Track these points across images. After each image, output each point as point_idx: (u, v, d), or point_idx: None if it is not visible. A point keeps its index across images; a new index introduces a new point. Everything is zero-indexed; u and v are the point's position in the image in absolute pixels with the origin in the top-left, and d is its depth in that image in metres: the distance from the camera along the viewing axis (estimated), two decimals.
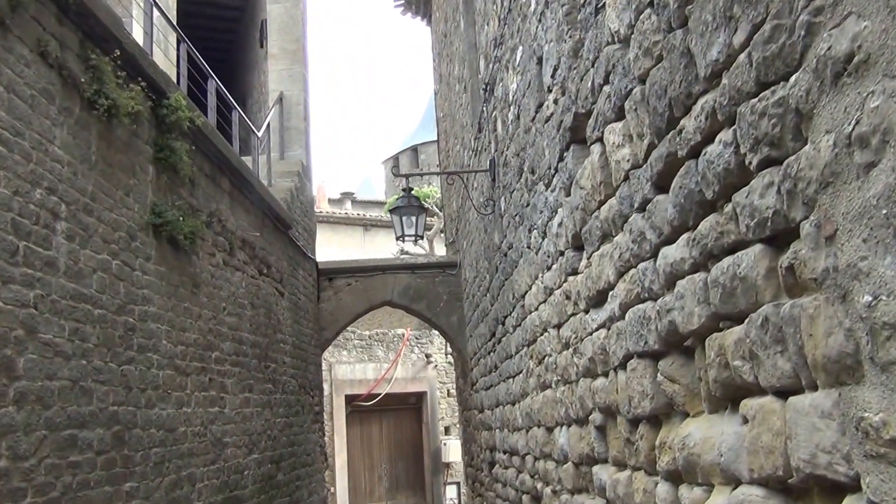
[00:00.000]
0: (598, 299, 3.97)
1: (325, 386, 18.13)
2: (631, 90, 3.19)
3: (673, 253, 2.85)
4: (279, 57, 12.00)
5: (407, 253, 24.46)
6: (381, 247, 27.97)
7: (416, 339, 20.27)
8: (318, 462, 10.95)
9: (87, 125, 4.85)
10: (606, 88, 3.54)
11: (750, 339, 2.25)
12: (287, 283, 9.96)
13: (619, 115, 3.40)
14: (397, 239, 7.88)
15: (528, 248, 5.80)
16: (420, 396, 20.04)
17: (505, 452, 8.08)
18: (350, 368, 18.96)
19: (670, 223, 2.85)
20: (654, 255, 3.06)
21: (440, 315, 12.27)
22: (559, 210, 4.69)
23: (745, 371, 2.31)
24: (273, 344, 8.95)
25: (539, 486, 6.15)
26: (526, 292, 6.06)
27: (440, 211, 24.77)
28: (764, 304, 2.17)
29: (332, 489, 17.51)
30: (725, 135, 2.36)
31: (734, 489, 2.48)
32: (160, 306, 5.77)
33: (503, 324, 7.47)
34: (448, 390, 20.22)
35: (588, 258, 4.10)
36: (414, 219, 7.66)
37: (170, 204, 5.97)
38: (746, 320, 2.28)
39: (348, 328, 19.95)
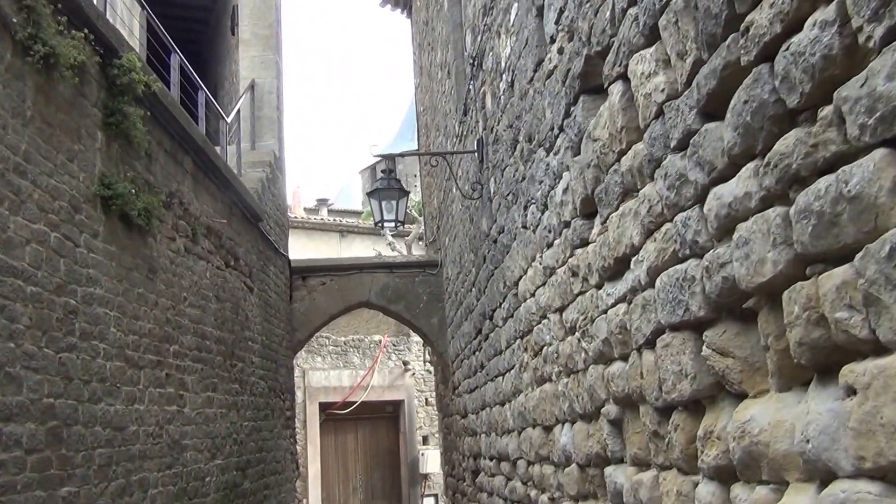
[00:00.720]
0: (616, 269, 3.38)
1: (299, 393, 17.43)
2: (668, 1, 2.61)
3: (731, 190, 2.26)
4: (251, 43, 11.36)
5: (384, 257, 23.86)
6: (358, 253, 27.19)
7: (394, 345, 19.62)
8: (288, 470, 10.26)
9: (21, 75, 4.19)
10: (632, 10, 2.96)
11: (866, 279, 1.66)
12: (257, 278, 9.30)
13: (651, 37, 2.82)
14: (376, 224, 7.23)
15: (524, 227, 5.21)
16: (397, 405, 19.36)
17: (492, 459, 7.46)
18: (325, 375, 18.25)
19: (727, 153, 2.26)
20: (701, 199, 2.48)
21: (420, 316, 11.65)
22: (564, 175, 4.10)
23: (853, 325, 1.72)
24: (240, 342, 8.28)
25: (533, 493, 5.54)
26: (520, 278, 5.47)
27: (419, 216, 24.19)
28: (891, 229, 1.59)
29: (304, 500, 16.77)
30: (824, 12, 1.77)
31: (825, 486, 1.88)
32: (109, 289, 5.10)
33: (491, 318, 6.87)
34: (426, 399, 19.57)
35: (603, 223, 3.51)
36: (395, 203, 7.02)
37: (122, 176, 5.32)
38: (859, 255, 1.69)
39: (323, 333, 19.28)
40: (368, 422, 19.10)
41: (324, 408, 18.10)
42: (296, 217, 29.23)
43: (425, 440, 19.44)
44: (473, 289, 7.95)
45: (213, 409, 7.08)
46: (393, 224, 7.11)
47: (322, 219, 30.13)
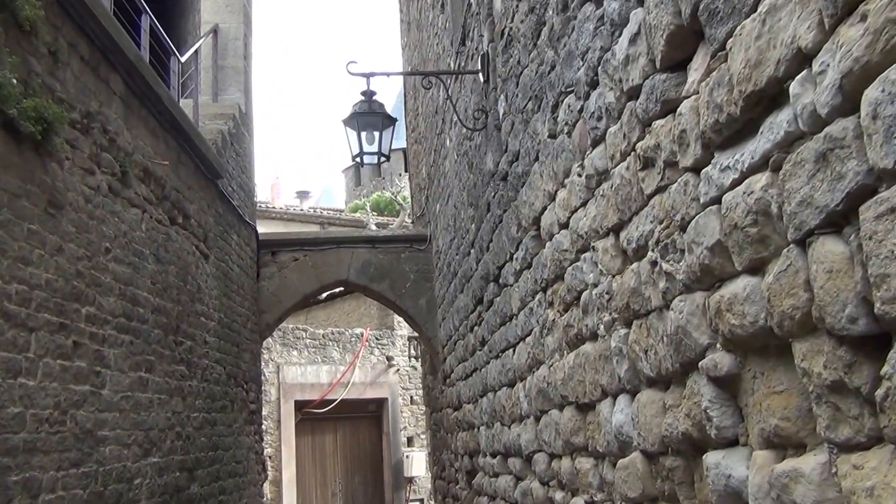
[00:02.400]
0: (748, 118, 2.01)
1: (272, 390, 16.00)
2: None
3: None
4: None
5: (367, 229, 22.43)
6: None
7: (377, 339, 18.19)
8: (252, 472, 8.81)
9: None
10: None
11: None
12: (214, 244, 7.87)
13: None
14: (354, 158, 5.80)
15: (553, 136, 3.83)
16: (380, 403, 17.91)
17: (495, 455, 6.07)
18: (301, 371, 16.78)
19: None
20: None
21: (405, 297, 10.23)
22: (632, 15, 2.72)
23: None
24: (189, 316, 6.84)
25: (559, 496, 4.16)
26: (543, 211, 4.10)
27: (404, 204, 22.80)
28: None
29: None
30: None
31: None
32: None
33: (497, 279, 5.49)
34: (411, 397, 18.15)
35: (717, 51, 2.13)
36: (377, 134, 5.59)
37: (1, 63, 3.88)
38: None
39: (299, 325, 17.84)
40: (349, 422, 17.64)
41: (300, 406, 16.62)
42: (274, 207, 27.83)
43: (410, 441, 18.01)
44: (472, 251, 6.56)
45: (147, 393, 5.64)
46: (375, 159, 5.67)
47: (302, 209, 28.73)
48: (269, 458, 15.90)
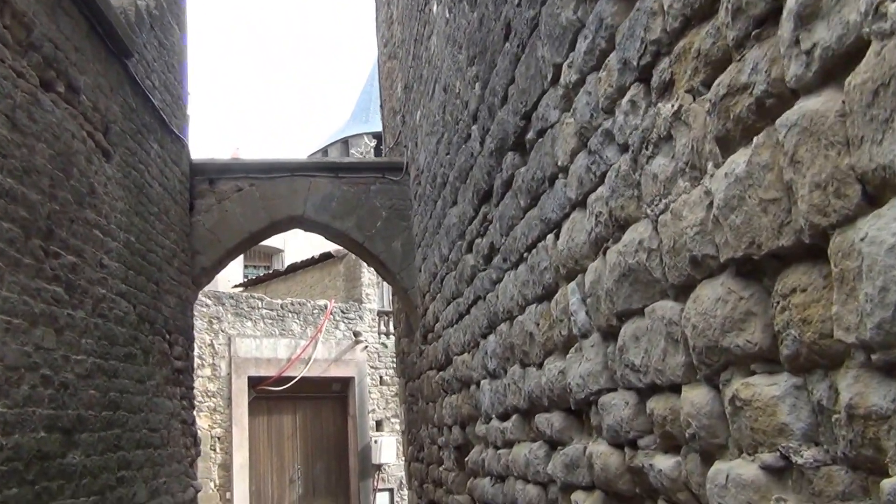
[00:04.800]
0: None
1: (223, 364, 13.98)
2: None
3: None
4: None
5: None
6: (305, 236, 23.72)
7: (342, 312, 16.21)
8: (176, 445, 6.79)
9: None
10: None
11: None
12: (120, 143, 5.87)
13: None
14: None
15: None
16: (346, 383, 15.94)
17: (506, 417, 4.18)
18: (255, 344, 14.74)
19: None
20: None
21: (376, 239, 8.27)
22: None
23: None
24: (74, 223, 4.85)
25: (667, 465, 2.24)
26: None
27: None
28: None
29: (226, 493, 13.25)
30: None
31: None
32: None
33: (521, 139, 3.57)
34: (381, 377, 16.22)
35: None
36: None
37: None
38: None
39: (254, 294, 15.77)
40: (310, 402, 15.65)
41: (254, 383, 14.60)
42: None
43: (379, 425, 16.09)
44: (473, 130, 4.63)
45: None
46: None
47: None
48: (219, 438, 13.92)
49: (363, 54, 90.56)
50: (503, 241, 4.01)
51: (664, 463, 2.29)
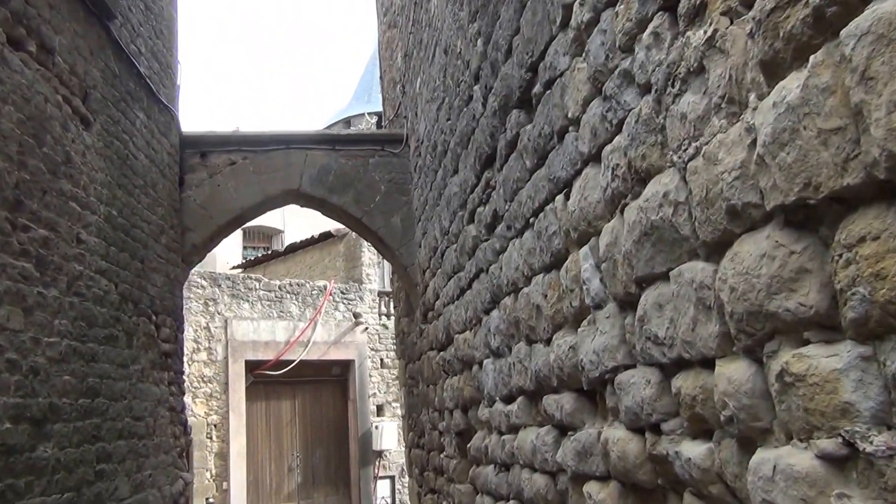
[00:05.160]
0: None
1: (219, 348, 13.69)
2: None
3: None
4: None
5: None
6: (304, 218, 23.36)
7: (343, 293, 15.90)
8: (163, 434, 6.48)
9: None
10: None
11: None
12: (101, 111, 5.54)
13: None
14: None
15: None
16: (346, 366, 15.66)
17: (511, 399, 3.90)
18: (253, 327, 14.45)
19: None
20: None
21: (374, 214, 7.94)
22: None
23: None
24: (46, 194, 4.53)
25: (697, 453, 1.92)
26: None
27: None
28: None
29: (223, 483, 13.01)
30: None
31: None
32: None
33: (528, 93, 3.24)
34: (382, 360, 15.94)
35: None
36: None
37: None
38: None
39: (251, 275, 15.46)
40: (309, 386, 15.38)
41: (252, 367, 14.32)
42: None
43: (380, 410, 15.82)
44: (475, 90, 4.30)
45: None
46: None
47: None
48: (215, 426, 13.65)
49: (365, 37, 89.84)
50: (507, 207, 3.69)
51: (693, 450, 1.97)
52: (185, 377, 7.53)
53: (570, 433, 3.01)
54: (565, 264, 2.84)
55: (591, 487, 2.77)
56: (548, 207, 3.01)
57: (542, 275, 3.19)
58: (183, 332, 7.46)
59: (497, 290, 4.01)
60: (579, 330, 2.75)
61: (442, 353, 6.15)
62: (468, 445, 5.30)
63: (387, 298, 16.23)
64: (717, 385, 1.79)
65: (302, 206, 8.37)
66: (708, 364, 1.87)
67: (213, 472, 13.63)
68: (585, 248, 2.61)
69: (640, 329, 2.21)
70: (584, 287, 2.62)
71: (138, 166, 6.29)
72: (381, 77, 9.90)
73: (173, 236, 7.18)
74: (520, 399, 3.76)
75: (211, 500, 13.47)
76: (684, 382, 1.98)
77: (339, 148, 8.05)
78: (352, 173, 7.98)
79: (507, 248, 3.74)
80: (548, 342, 3.19)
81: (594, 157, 2.49)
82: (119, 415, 5.50)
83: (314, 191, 7.91)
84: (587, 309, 2.67)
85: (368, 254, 16.38)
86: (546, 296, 3.11)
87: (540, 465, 3.41)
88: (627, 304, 2.34)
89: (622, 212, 2.28)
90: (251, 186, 7.84)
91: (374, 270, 16.53)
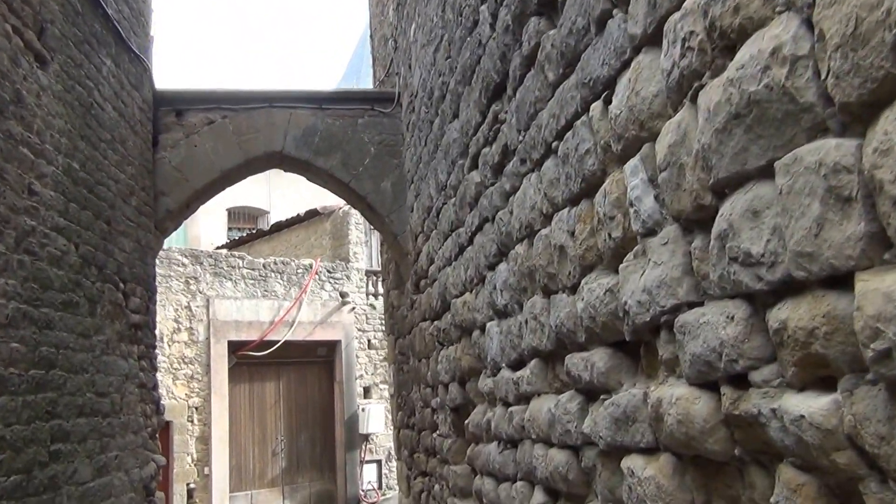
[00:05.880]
0: None
1: (200, 327, 13.13)
2: None
3: None
4: None
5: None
6: (290, 181, 22.69)
7: (329, 272, 15.35)
8: (132, 413, 5.92)
9: None
10: None
11: None
12: (60, 49, 4.96)
13: None
14: None
15: None
16: (332, 347, 15.12)
17: (519, 364, 3.36)
18: (236, 306, 13.87)
19: None
20: None
21: (363, 178, 7.39)
22: None
23: None
24: None
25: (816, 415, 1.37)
26: None
27: None
28: None
29: (204, 468, 12.47)
30: None
31: None
32: None
33: None
34: (369, 340, 15.41)
35: None
36: None
37: None
38: None
39: (234, 253, 14.85)
40: (294, 368, 14.84)
41: (235, 348, 13.76)
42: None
43: (367, 392, 15.31)
44: (483, 8, 3.75)
45: None
46: None
47: None
48: (196, 409, 13.09)
49: (353, 21, 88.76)
50: (521, 138, 3.14)
51: (805, 405, 1.44)
52: (157, 352, 6.96)
53: (602, 398, 2.48)
54: (602, 188, 2.31)
55: (632, 462, 2.25)
56: (578, 122, 2.47)
57: (566, 209, 2.65)
58: (155, 304, 6.89)
59: (506, 239, 3.47)
60: (621, 267, 2.22)
61: (436, 322, 5.62)
62: (466, 422, 4.78)
63: (374, 278, 15.69)
64: (860, 308, 1.25)
65: (286, 170, 7.79)
66: (838, 282, 1.33)
67: (194, 456, 13.09)
68: (634, 161, 2.08)
69: (717, 251, 1.68)
70: (633, 210, 2.09)
71: (105, 118, 5.71)
72: (370, 37, 9.32)
73: (145, 199, 6.60)
74: (533, 363, 3.23)
75: (192, 485, 12.92)
76: (793, 313, 1.45)
77: (326, 107, 7.47)
78: (339, 134, 7.42)
79: (521, 187, 3.20)
80: (573, 290, 2.66)
81: (651, 38, 1.95)
82: (79, 389, 4.94)
83: (298, 153, 7.34)
84: (632, 239, 2.14)
85: (356, 232, 15.82)
86: (573, 233, 2.57)
87: (559, 439, 2.89)
88: (696, 222, 1.81)
89: (694, 99, 1.74)
90: (231, 148, 7.26)
91: (362, 249, 15.98)
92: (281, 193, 21.27)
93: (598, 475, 2.63)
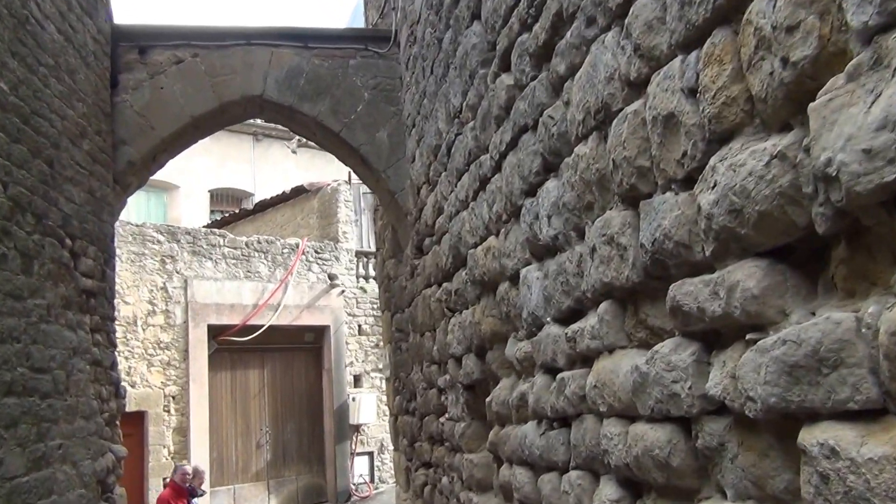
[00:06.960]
0: None
1: (178, 310, 12.17)
2: None
3: None
4: None
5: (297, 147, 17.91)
6: (276, 163, 21.72)
7: (316, 252, 14.38)
8: (82, 393, 4.96)
9: None
10: None
11: None
12: None
13: None
14: None
15: None
16: (320, 332, 14.17)
17: (575, 316, 2.40)
18: (216, 287, 12.89)
19: None
20: None
21: (356, 127, 6.44)
22: None
23: None
24: None
25: None
26: None
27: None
28: None
29: (184, 462, 11.47)
30: None
31: None
32: None
33: None
34: (360, 326, 14.48)
35: None
36: None
37: None
38: None
39: (215, 231, 13.85)
40: (280, 354, 13.89)
41: (215, 333, 12.78)
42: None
43: (358, 381, 14.38)
44: None
45: None
46: None
47: None
48: (173, 398, 12.13)
49: None
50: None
51: None
52: (115, 324, 5.99)
53: (750, 338, 1.56)
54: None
55: (831, 434, 1.32)
56: None
57: (680, 58, 1.73)
58: (114, 270, 5.94)
59: (557, 142, 2.55)
60: (816, 105, 1.29)
61: (445, 284, 4.69)
62: (488, 399, 3.86)
63: (365, 259, 14.75)
64: None
65: (267, 120, 6.85)
66: None
67: (171, 449, 12.12)
68: None
69: None
70: None
71: (45, 38, 4.74)
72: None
73: (101, 145, 5.63)
74: (603, 307, 2.31)
75: (168, 480, 11.95)
76: None
77: (313, 46, 6.52)
78: (328, 77, 6.47)
79: (585, 61, 2.27)
80: (687, 182, 1.74)
81: None
82: (7, 362, 3.98)
83: (281, 97, 6.39)
84: (839, 52, 1.21)
85: (345, 210, 14.88)
86: (695, 89, 1.65)
87: (656, 409, 1.96)
88: None
89: None
90: (203, 91, 6.30)
91: (352, 228, 15.03)
92: (266, 175, 20.31)
93: (727, 459, 1.71)
